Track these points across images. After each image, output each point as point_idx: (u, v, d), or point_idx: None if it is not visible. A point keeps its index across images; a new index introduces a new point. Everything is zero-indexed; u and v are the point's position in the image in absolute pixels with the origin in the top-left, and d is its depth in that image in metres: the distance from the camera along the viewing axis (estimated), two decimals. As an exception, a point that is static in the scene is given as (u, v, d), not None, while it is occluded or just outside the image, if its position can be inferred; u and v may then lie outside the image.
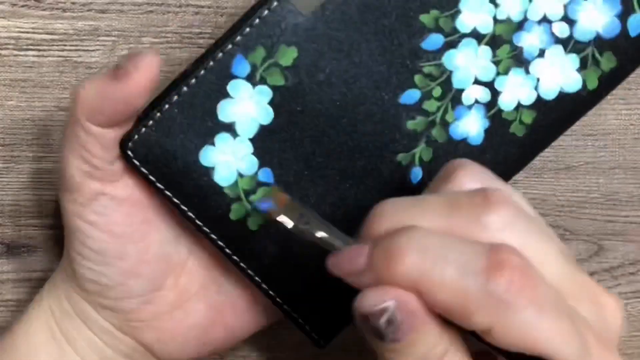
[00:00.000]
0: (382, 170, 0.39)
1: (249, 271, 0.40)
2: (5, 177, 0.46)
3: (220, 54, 0.37)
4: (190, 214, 0.39)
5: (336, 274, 0.31)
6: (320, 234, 0.33)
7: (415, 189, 0.39)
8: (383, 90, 0.38)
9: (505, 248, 0.30)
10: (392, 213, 0.31)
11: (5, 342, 0.42)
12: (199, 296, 0.42)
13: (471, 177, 0.33)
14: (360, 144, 0.38)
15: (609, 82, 0.40)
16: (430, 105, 0.38)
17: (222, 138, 0.38)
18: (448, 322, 0.31)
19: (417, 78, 0.38)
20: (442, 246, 0.30)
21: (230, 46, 0.37)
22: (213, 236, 0.39)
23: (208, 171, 0.38)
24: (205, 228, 0.39)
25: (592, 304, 0.32)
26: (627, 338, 0.51)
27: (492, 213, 0.30)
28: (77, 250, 0.39)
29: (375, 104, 0.38)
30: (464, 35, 0.38)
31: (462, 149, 0.39)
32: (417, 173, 0.39)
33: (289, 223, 0.33)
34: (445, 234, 0.30)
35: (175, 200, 0.38)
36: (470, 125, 0.39)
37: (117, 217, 0.39)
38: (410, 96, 0.38)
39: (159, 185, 0.38)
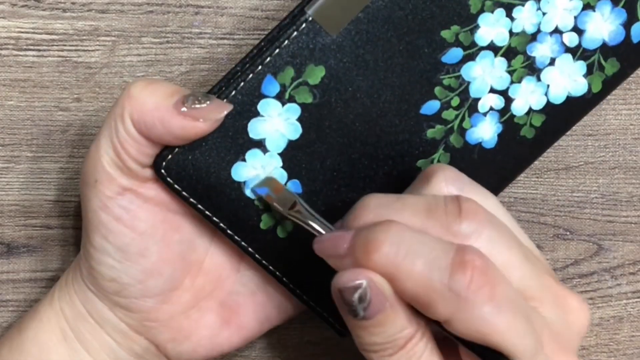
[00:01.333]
0: (403, 177, 0.40)
1: (277, 273, 0.41)
2: (5, 177, 0.46)
3: (250, 75, 0.38)
4: (222, 225, 0.40)
5: (320, 255, 0.35)
6: (309, 221, 0.37)
7: None
8: (405, 102, 0.40)
9: (470, 249, 0.33)
10: (375, 207, 0.35)
11: (14, 343, 0.42)
12: (214, 296, 0.42)
13: (449, 181, 0.36)
14: (383, 153, 0.40)
15: (611, 85, 0.42)
16: (448, 115, 0.40)
17: (252, 154, 0.39)
18: (418, 311, 0.34)
19: (437, 90, 0.40)
20: (415, 241, 0.33)
21: (260, 67, 0.38)
22: (244, 244, 0.41)
23: (240, 185, 0.39)
24: (237, 237, 0.40)
25: (555, 306, 0.35)
26: (627, 338, 0.51)
27: (463, 222, 0.34)
28: (97, 246, 0.39)
29: (398, 115, 0.40)
30: (482, 48, 0.40)
31: (477, 152, 0.41)
32: None
33: (281, 208, 0.38)
34: (419, 232, 0.34)
35: (208, 213, 0.40)
36: (485, 131, 0.41)
37: (142, 213, 0.39)
38: (431, 107, 0.40)
39: (192, 200, 0.40)
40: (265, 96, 0.39)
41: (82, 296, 0.41)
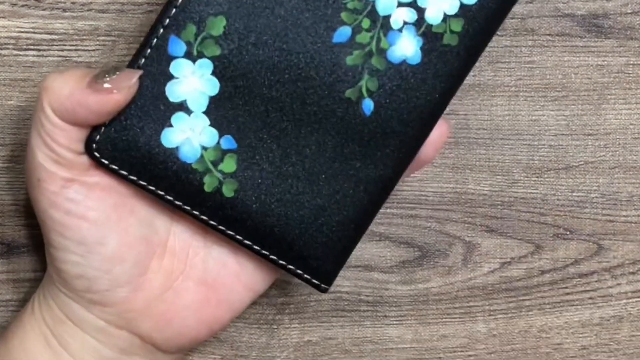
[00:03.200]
0: (334, 110, 0.40)
1: (238, 237, 0.41)
2: (5, 177, 0.46)
3: (155, 40, 0.38)
4: (168, 197, 0.40)
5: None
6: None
7: (370, 120, 0.40)
8: (314, 35, 0.39)
9: None
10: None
11: (1, 352, 0.42)
12: (186, 275, 0.42)
13: None
14: (307, 91, 0.40)
15: None
16: (363, 38, 0.39)
17: (177, 118, 0.39)
18: None
19: (344, 15, 0.39)
20: None
21: (162, 30, 0.38)
22: (195, 212, 0.40)
23: (173, 152, 0.39)
24: (186, 207, 0.40)
25: None
26: (627, 338, 0.51)
27: None
28: (56, 245, 0.39)
29: (311, 49, 0.39)
30: None
31: (404, 71, 0.40)
32: (368, 104, 0.40)
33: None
34: None
35: (151, 187, 0.40)
36: (406, 47, 0.40)
37: (91, 202, 0.39)
38: (342, 34, 0.39)
39: (131, 177, 0.39)
40: (174, 57, 0.38)
41: (57, 301, 0.41)
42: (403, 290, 0.49)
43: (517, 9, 0.47)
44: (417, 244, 0.49)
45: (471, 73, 0.42)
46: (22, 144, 0.46)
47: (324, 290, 0.42)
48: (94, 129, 0.39)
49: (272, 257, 0.41)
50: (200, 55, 0.39)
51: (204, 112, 0.39)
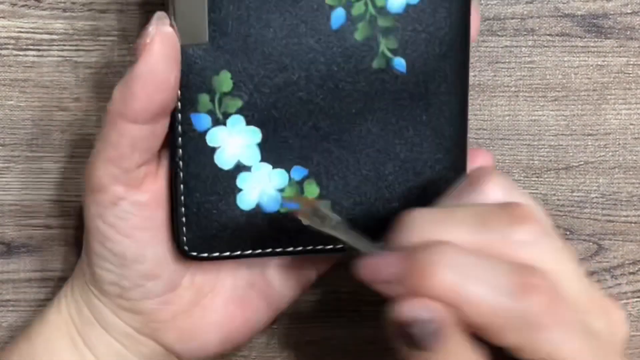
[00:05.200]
0: (374, 86, 0.39)
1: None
2: (5, 177, 0.46)
3: (179, 127, 0.38)
4: (276, 250, 0.40)
5: (364, 280, 0.33)
6: (351, 238, 0.35)
7: (410, 75, 0.39)
8: (314, 35, 0.38)
9: (534, 270, 0.32)
10: (421, 224, 0.33)
11: (23, 351, 0.42)
12: (215, 292, 0.42)
13: (497, 187, 0.35)
14: (339, 85, 0.39)
15: None
16: (358, 9, 0.38)
17: (241, 179, 0.39)
18: (477, 338, 0.32)
19: (329, 1, 0.38)
20: (473, 264, 0.31)
21: (180, 115, 0.38)
22: (299, 249, 0.40)
23: (256, 210, 0.39)
24: (287, 249, 0.40)
25: (603, 317, 0.34)
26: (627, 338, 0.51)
27: (519, 229, 0.33)
28: (96, 252, 0.39)
29: (319, 48, 0.38)
30: None
31: (412, 14, 0.39)
32: (399, 62, 0.39)
33: (316, 224, 0.37)
34: (475, 252, 0.32)
35: (257, 251, 0.40)
36: None
37: (137, 221, 0.39)
38: (337, 17, 0.38)
39: (235, 254, 0.40)
40: (205, 131, 0.38)
41: (87, 302, 0.41)
42: (403, 290, 0.49)
43: (517, 9, 0.47)
44: (417, 244, 0.49)
45: (471, 73, 0.41)
46: (22, 144, 0.46)
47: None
48: (177, 236, 0.39)
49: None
50: (227, 115, 0.38)
51: (261, 160, 0.39)
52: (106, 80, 0.45)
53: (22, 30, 0.44)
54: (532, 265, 0.32)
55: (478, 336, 0.32)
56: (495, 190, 0.35)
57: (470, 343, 0.32)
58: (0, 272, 0.47)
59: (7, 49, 0.45)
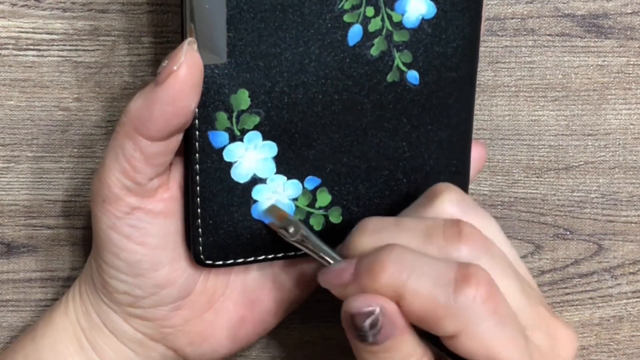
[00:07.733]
0: (387, 99, 0.40)
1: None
2: (5, 177, 0.46)
3: (197, 144, 0.38)
4: (288, 255, 0.41)
5: (324, 286, 0.36)
6: (312, 248, 0.38)
7: (422, 87, 0.40)
8: (331, 51, 0.38)
9: (475, 266, 0.34)
10: (372, 231, 0.36)
11: (29, 351, 0.42)
12: (227, 296, 0.42)
13: (453, 203, 0.37)
14: (354, 99, 0.39)
15: None
16: (375, 25, 0.39)
17: (257, 191, 0.39)
18: (421, 335, 0.35)
19: (347, 17, 0.38)
20: (417, 260, 0.34)
21: (197, 133, 0.38)
22: (290, 254, 0.41)
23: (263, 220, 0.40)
24: (280, 255, 0.41)
25: (546, 336, 0.35)
26: (627, 338, 0.51)
27: (461, 247, 0.35)
28: (109, 263, 0.39)
29: (336, 65, 0.39)
30: None
31: (427, 28, 0.39)
32: (412, 75, 0.40)
33: (285, 236, 0.39)
34: (420, 252, 0.34)
35: (269, 256, 0.41)
36: (417, 7, 0.39)
37: (151, 229, 0.39)
38: (355, 34, 0.39)
39: (249, 260, 0.40)
40: (222, 147, 0.38)
41: (97, 308, 0.41)
42: (403, 290, 0.49)
43: (517, 9, 0.47)
44: (417, 244, 0.49)
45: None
46: (22, 144, 0.46)
47: None
48: (193, 245, 0.39)
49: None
50: (244, 131, 0.38)
51: (277, 173, 0.39)
52: (106, 80, 0.45)
53: (22, 30, 0.44)
54: (473, 263, 0.34)
55: (422, 330, 0.34)
56: (450, 206, 0.37)
57: (416, 335, 0.34)
58: (0, 272, 0.47)
59: (7, 49, 0.45)
